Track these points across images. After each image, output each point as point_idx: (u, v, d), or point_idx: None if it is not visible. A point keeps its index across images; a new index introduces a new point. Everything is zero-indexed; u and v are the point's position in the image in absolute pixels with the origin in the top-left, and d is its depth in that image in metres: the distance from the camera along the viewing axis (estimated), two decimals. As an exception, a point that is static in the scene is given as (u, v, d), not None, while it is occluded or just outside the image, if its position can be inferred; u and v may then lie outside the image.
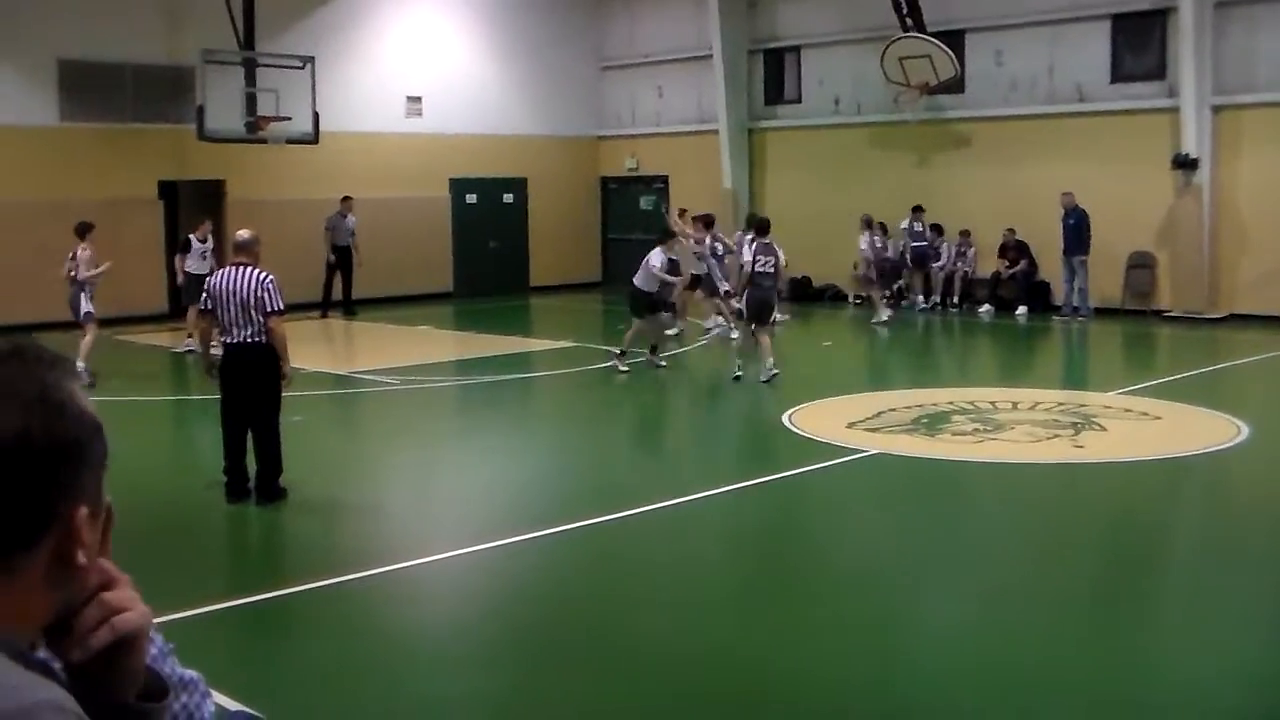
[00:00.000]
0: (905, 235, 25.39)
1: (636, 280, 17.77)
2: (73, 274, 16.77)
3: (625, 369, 17.23)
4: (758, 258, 16.21)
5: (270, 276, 10.38)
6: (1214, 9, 22.23)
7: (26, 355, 1.67)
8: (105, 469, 1.70)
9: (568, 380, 17.55)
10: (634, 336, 17.57)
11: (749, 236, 17.56)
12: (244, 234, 10.93)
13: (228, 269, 10.65)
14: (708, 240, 20.27)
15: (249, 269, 10.44)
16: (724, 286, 19.61)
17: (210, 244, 19.94)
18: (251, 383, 10.44)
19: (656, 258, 17.79)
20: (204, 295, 10.67)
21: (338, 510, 10.89)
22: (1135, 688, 6.65)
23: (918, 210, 25.24)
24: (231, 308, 10.30)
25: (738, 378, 16.18)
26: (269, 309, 10.25)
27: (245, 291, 10.26)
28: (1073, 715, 6.15)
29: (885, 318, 22.97)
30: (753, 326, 16.29)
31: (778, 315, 16.69)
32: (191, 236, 20.00)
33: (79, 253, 16.72)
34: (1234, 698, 6.48)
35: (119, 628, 1.73)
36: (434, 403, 16.54)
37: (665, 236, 18.69)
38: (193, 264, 19.54)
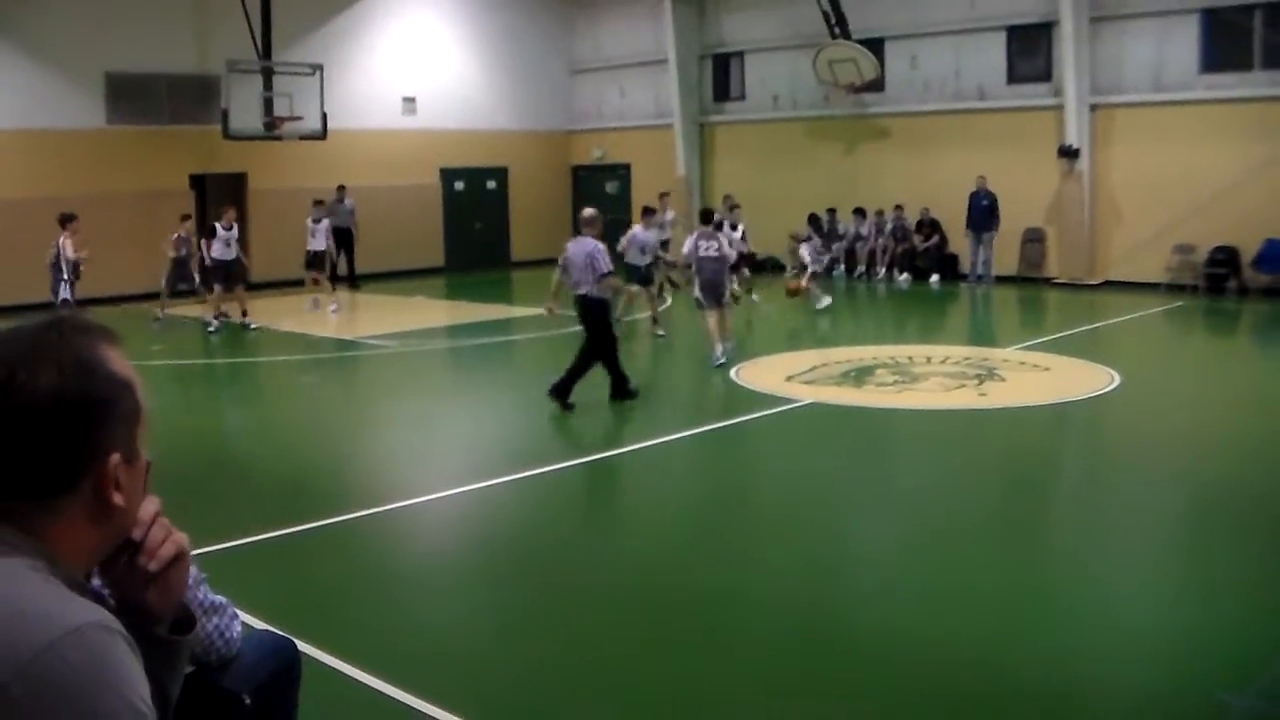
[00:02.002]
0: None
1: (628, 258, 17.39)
2: (53, 261, 16.06)
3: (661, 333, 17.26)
4: (699, 243, 15.08)
5: (601, 246, 12.03)
6: (1089, 23, 22.37)
7: (64, 325, 1.72)
8: (139, 423, 1.74)
9: (543, 342, 17.51)
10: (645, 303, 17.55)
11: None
12: (589, 211, 12.74)
13: (577, 238, 12.27)
14: None
15: (588, 239, 12.05)
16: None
17: (234, 231, 18.89)
18: (590, 324, 12.11)
19: (644, 234, 17.35)
20: (562, 257, 12.30)
21: (341, 458, 10.89)
22: (1032, 591, 6.76)
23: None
24: (575, 268, 11.96)
25: (721, 365, 14.47)
26: (600, 271, 11.88)
27: (584, 256, 11.88)
28: (980, 616, 6.24)
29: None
30: (705, 308, 14.98)
31: (735, 292, 16.13)
32: (216, 224, 18.91)
33: (60, 241, 16.05)
34: (1115, 594, 6.61)
35: (179, 542, 1.86)
36: (429, 363, 16.53)
37: (644, 214, 18.03)
38: (217, 249, 18.53)
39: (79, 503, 1.67)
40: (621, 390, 12.33)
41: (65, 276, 15.90)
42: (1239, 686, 5.39)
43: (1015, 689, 5.40)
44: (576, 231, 12.99)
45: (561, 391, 11.97)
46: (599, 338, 12.16)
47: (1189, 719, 5.15)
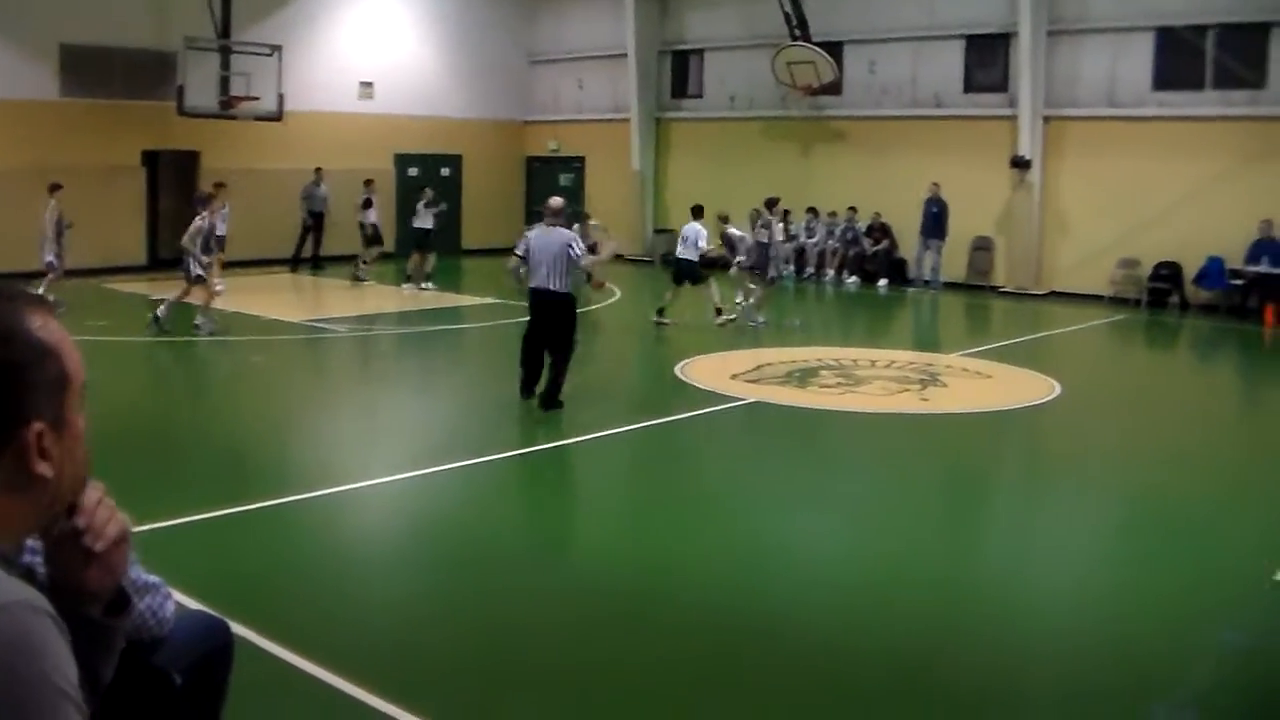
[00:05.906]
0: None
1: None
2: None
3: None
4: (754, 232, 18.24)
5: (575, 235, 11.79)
6: (1047, 35, 22.65)
7: None
8: (68, 390, 1.70)
9: (489, 331, 17.48)
10: None
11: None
12: (557, 201, 11.92)
13: (541, 226, 11.58)
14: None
15: (559, 229, 11.52)
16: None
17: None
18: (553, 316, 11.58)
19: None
20: (522, 245, 11.64)
21: (280, 440, 10.87)
22: (963, 573, 6.93)
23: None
24: (545, 258, 11.30)
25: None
26: (574, 257, 11.34)
27: (556, 246, 11.32)
28: (916, 600, 6.36)
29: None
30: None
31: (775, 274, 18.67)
32: (370, 197, 23.18)
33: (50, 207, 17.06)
34: (1037, 582, 6.80)
35: (122, 524, 1.83)
36: (371, 349, 16.48)
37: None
38: (374, 215, 23.08)
39: (1, 473, 1.64)
40: (554, 397, 11.58)
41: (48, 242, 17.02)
42: (1166, 690, 5.55)
43: (949, 679, 5.54)
44: (531, 221, 13.01)
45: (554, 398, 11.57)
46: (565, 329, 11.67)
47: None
